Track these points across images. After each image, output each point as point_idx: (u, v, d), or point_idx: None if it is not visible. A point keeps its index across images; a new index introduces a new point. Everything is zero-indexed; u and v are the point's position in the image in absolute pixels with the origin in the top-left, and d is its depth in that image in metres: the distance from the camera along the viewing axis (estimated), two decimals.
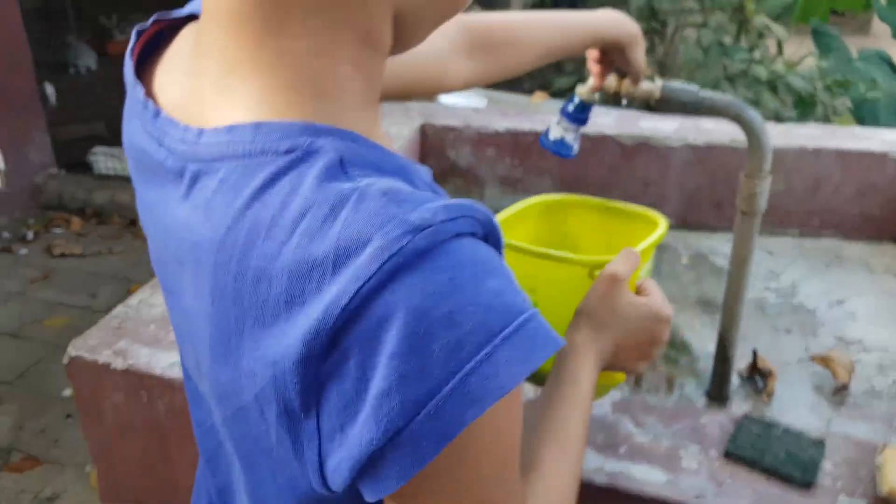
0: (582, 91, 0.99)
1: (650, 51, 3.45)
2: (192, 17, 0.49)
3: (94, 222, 3.59)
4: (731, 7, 2.97)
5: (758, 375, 1.16)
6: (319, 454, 0.37)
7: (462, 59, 0.78)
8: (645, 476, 0.82)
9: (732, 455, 0.84)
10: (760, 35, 2.92)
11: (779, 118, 2.66)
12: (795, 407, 1.12)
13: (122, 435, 0.92)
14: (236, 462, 0.49)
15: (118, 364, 0.87)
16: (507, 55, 0.80)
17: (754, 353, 1.18)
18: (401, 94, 0.73)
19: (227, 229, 0.37)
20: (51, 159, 3.73)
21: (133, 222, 3.53)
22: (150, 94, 0.47)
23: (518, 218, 0.92)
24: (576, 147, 1.05)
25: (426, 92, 0.78)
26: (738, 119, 0.93)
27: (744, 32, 2.97)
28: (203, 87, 0.41)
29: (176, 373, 0.86)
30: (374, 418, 0.34)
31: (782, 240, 1.65)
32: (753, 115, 0.93)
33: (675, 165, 1.65)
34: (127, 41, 0.53)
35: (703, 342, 1.28)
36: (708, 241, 1.65)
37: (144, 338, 0.92)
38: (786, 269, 1.53)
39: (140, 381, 0.86)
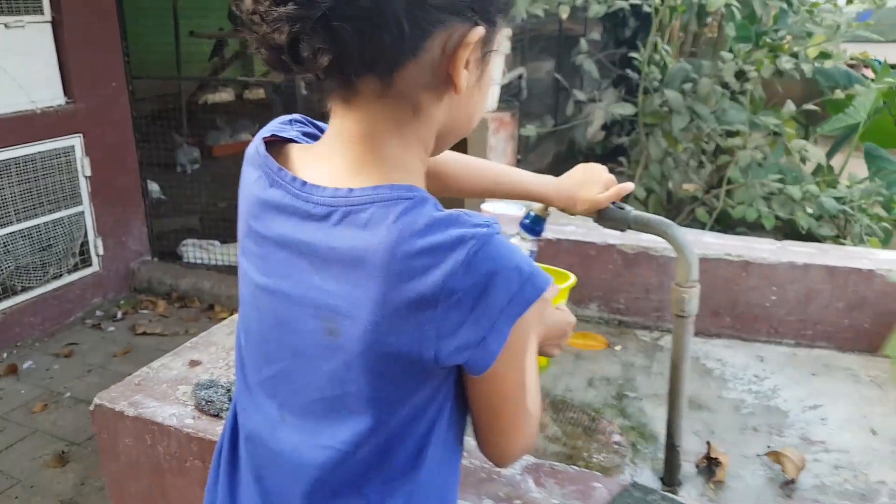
0: (535, 208, 1.18)
1: (699, 168, 3.60)
2: (290, 140, 0.79)
3: (178, 306, 3.94)
4: (774, 129, 3.11)
5: (712, 465, 1.24)
6: (436, 346, 0.65)
7: None
8: None
9: None
10: (801, 158, 3.02)
11: (812, 236, 2.71)
12: (744, 497, 1.19)
13: (130, 473, 1.11)
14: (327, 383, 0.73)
15: (130, 412, 1.07)
16: (450, 183, 1.13)
17: (708, 445, 1.27)
18: None
19: (383, 236, 0.65)
20: (146, 248, 4.16)
21: (211, 307, 3.86)
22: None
23: None
24: (532, 256, 1.23)
25: None
26: (664, 235, 1.08)
27: (784, 154, 3.08)
28: (341, 172, 0.71)
29: (174, 422, 1.05)
30: (483, 319, 0.64)
31: (777, 348, 1.73)
32: (677, 232, 1.07)
33: (674, 275, 1.77)
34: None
35: None
36: (703, 346, 1.75)
37: (156, 393, 1.12)
38: (771, 375, 1.60)
39: (145, 427, 1.05)
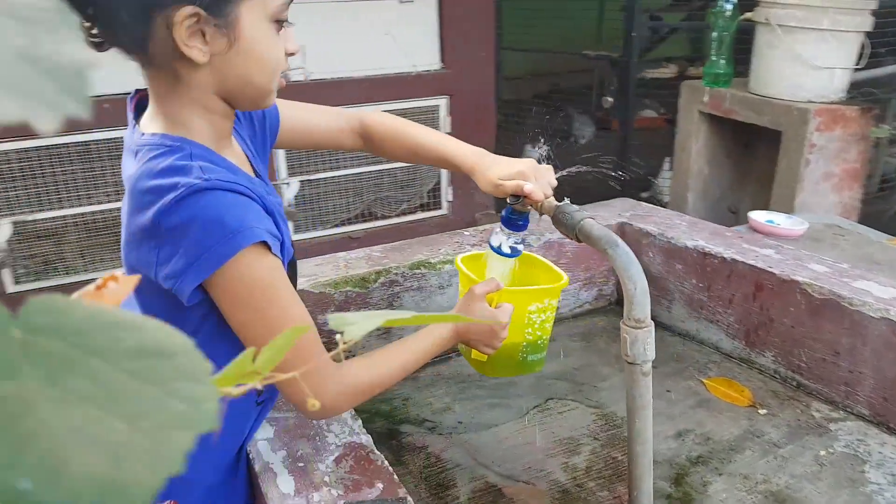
0: (513, 202, 1.05)
1: None
2: None
3: None
4: None
5: None
6: (156, 270, 0.81)
7: (351, 137, 1.18)
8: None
9: None
10: None
11: None
12: None
13: None
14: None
15: None
16: (382, 146, 1.17)
17: None
18: (312, 146, 1.18)
19: (133, 172, 0.83)
20: (490, 202, 4.51)
21: None
22: (137, 120, 0.93)
23: (476, 257, 1.23)
24: (519, 249, 1.09)
25: (327, 148, 1.21)
26: (607, 254, 0.85)
27: None
28: (146, 121, 0.90)
29: None
30: (186, 256, 0.78)
31: None
32: (621, 253, 0.83)
33: (872, 342, 1.31)
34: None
35: None
36: (886, 449, 1.26)
37: None
38: None
39: None
